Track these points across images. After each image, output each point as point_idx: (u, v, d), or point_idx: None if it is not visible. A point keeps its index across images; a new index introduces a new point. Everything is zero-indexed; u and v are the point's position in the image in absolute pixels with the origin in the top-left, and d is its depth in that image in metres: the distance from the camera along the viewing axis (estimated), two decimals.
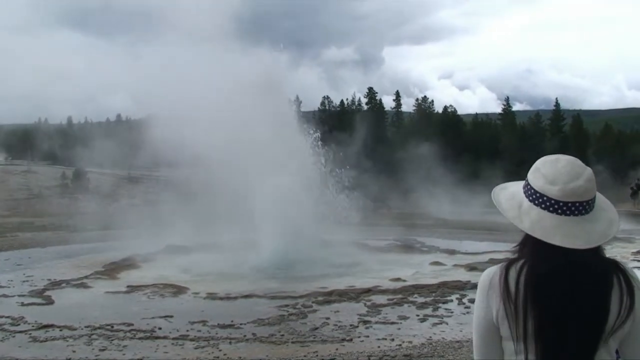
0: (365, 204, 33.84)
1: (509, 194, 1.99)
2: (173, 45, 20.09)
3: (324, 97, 73.24)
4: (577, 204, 1.85)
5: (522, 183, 2.00)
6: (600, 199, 1.92)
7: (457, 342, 8.34)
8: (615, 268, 1.86)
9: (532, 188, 1.90)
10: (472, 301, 10.98)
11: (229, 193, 17.36)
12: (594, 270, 1.83)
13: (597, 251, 1.86)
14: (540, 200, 1.87)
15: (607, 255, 1.92)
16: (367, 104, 71.22)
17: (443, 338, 8.66)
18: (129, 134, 19.60)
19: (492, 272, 1.94)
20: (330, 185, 20.31)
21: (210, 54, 19.77)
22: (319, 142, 20.67)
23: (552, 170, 1.88)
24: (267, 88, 18.51)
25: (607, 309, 1.80)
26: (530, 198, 1.90)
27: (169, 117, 18.88)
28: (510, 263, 1.90)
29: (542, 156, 1.99)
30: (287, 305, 10.84)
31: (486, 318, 1.91)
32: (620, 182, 42.12)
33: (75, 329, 9.24)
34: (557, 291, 1.80)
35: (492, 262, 15.41)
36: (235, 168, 17.68)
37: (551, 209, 1.85)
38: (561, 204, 1.84)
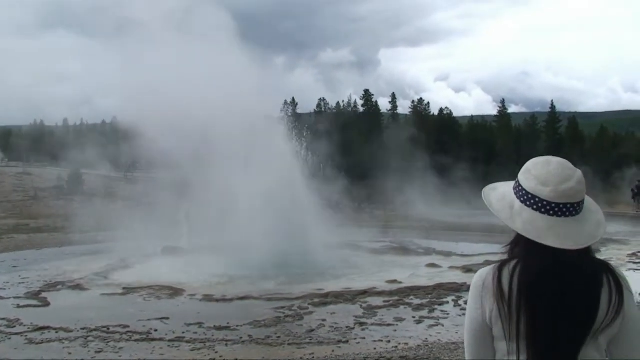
0: (360, 206, 33.99)
1: (500, 195, 2.01)
2: (166, 47, 20.05)
3: (320, 99, 73.58)
4: (569, 206, 1.87)
5: (511, 184, 2.02)
6: (588, 201, 1.95)
7: (453, 343, 8.36)
8: (605, 269, 1.89)
9: (523, 189, 1.92)
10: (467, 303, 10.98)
11: (226, 194, 17.37)
12: (585, 271, 1.86)
13: (587, 252, 1.88)
14: (532, 201, 1.89)
15: (602, 257, 1.95)
16: (363, 105, 71.37)
17: (439, 340, 8.68)
18: (125, 136, 19.58)
19: (485, 273, 1.96)
20: (323, 187, 20.37)
21: (205, 55, 19.79)
22: (312, 144, 20.74)
23: (543, 172, 1.90)
24: (257, 90, 18.63)
25: (597, 309, 1.82)
26: (522, 199, 1.92)
27: (163, 118, 18.89)
28: (503, 264, 1.93)
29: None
30: (283, 307, 10.85)
31: (479, 318, 1.94)
32: (610, 185, 41.97)
33: (71, 331, 9.24)
34: (549, 291, 1.82)
35: (488, 263, 15.27)
36: (228, 168, 17.72)
37: (542, 210, 1.88)
38: (553, 205, 1.87)
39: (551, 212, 1.87)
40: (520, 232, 1.88)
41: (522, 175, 1.95)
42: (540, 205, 1.88)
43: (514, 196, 1.95)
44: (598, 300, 1.83)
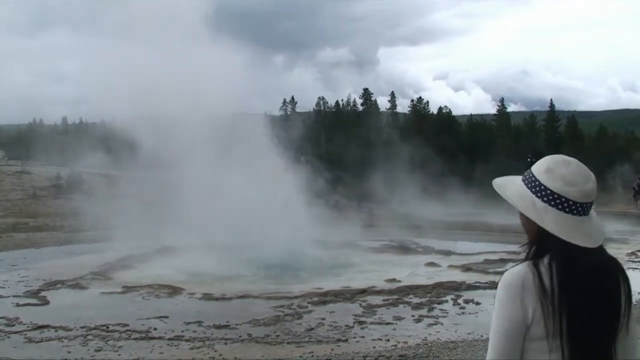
0: (358, 205, 33.98)
1: (517, 194, 2.01)
2: (149, 44, 20.06)
3: (319, 97, 73.69)
4: (588, 205, 1.94)
5: (516, 180, 2.04)
6: None
7: (452, 342, 8.38)
8: (618, 264, 1.97)
9: (547, 189, 1.94)
10: (467, 302, 11.01)
11: (224, 194, 17.38)
12: (609, 266, 1.93)
13: (604, 249, 1.96)
14: (559, 201, 1.92)
15: None
16: (362, 104, 71.49)
17: (438, 339, 8.68)
18: (123, 135, 19.55)
19: (521, 273, 1.92)
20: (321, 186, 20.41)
21: (201, 54, 19.83)
22: (309, 144, 20.77)
23: (567, 172, 1.94)
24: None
25: (621, 303, 1.91)
26: (546, 199, 1.93)
27: (159, 118, 18.95)
28: (536, 262, 1.92)
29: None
30: (282, 306, 10.84)
31: (519, 319, 1.89)
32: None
33: (70, 330, 9.22)
34: (587, 288, 1.87)
35: (487, 262, 15.55)
36: (226, 167, 17.76)
37: (567, 210, 1.91)
38: (578, 205, 1.91)
39: (575, 212, 1.91)
40: (552, 232, 1.90)
41: (544, 175, 1.96)
42: (566, 205, 1.91)
43: (533, 196, 1.96)
44: (620, 293, 1.91)
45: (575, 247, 1.87)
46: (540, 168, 1.98)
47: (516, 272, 1.94)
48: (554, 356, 1.87)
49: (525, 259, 1.96)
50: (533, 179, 1.98)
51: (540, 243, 1.95)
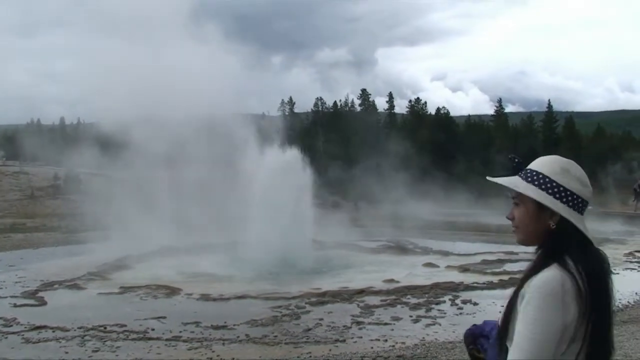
0: (356, 205, 34.02)
1: (535, 193, 1.94)
2: (160, 46, 20.08)
3: (317, 98, 73.39)
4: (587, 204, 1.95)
5: (517, 180, 1.98)
6: None
7: (450, 342, 8.39)
8: None
9: (567, 190, 1.91)
10: (465, 302, 11.04)
11: (223, 194, 17.37)
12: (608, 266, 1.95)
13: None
14: (576, 202, 1.91)
15: None
16: (360, 105, 71.37)
17: (436, 339, 8.71)
18: (121, 135, 19.52)
19: (558, 277, 1.85)
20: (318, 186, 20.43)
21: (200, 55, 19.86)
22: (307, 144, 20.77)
23: (579, 173, 1.94)
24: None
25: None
26: (565, 200, 1.91)
27: (156, 118, 18.95)
28: (564, 266, 1.87)
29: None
30: (280, 306, 10.85)
31: (561, 326, 1.83)
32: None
33: (68, 330, 9.23)
34: (604, 288, 1.88)
35: (485, 263, 15.56)
36: (222, 168, 17.77)
37: (581, 210, 1.92)
38: (587, 204, 1.94)
39: (583, 211, 1.93)
40: (582, 231, 1.90)
41: (560, 176, 1.92)
42: (581, 205, 1.92)
43: (550, 197, 1.91)
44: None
45: (589, 247, 1.89)
46: (554, 168, 1.94)
47: (553, 278, 1.85)
48: (580, 358, 1.85)
49: (546, 263, 1.89)
50: (547, 179, 1.93)
51: (558, 245, 1.91)
